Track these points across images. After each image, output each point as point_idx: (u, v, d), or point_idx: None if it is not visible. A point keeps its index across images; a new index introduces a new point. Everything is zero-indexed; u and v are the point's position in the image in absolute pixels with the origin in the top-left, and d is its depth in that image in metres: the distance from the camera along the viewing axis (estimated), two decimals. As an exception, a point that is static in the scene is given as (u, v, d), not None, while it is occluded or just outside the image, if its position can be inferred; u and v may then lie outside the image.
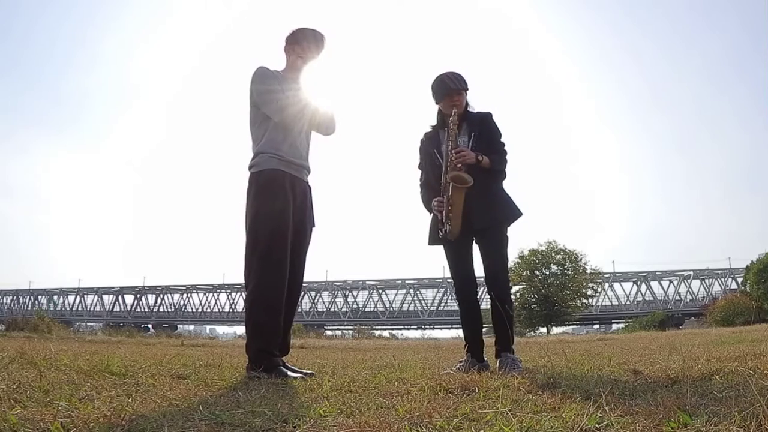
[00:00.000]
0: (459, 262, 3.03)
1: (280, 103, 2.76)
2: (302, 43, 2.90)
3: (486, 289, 2.97)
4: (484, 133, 3.00)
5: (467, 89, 3.03)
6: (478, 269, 3.04)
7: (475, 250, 3.04)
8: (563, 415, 1.38)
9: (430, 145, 3.11)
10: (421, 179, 3.20)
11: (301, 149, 2.88)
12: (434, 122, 3.14)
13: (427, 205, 3.09)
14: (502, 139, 3.04)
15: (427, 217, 3.15)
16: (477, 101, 3.10)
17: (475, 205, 2.89)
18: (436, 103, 3.08)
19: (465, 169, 2.87)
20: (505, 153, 3.02)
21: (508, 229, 3.03)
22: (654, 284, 44.70)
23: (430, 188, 3.08)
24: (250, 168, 2.83)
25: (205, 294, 51.79)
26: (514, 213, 3.00)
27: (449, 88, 2.98)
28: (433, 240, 3.07)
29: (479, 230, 2.95)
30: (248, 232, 2.75)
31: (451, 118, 2.94)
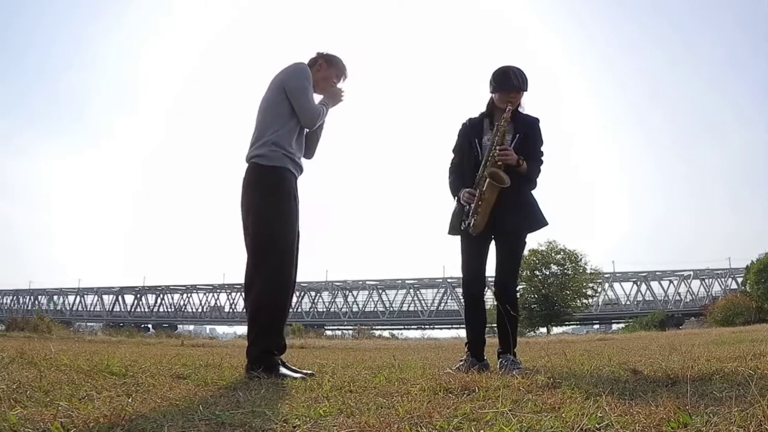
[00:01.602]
0: (472, 258, 2.99)
1: (317, 111, 2.82)
2: (331, 69, 2.96)
3: (493, 290, 2.95)
4: (529, 137, 2.95)
5: (527, 90, 2.97)
6: (489, 269, 3.02)
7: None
8: (563, 415, 1.38)
9: (473, 132, 3.04)
10: (452, 162, 3.16)
11: (302, 150, 2.90)
12: (483, 109, 3.08)
13: (454, 191, 3.06)
14: (542, 148, 3.00)
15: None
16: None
17: (504, 207, 2.85)
18: (492, 92, 3.00)
19: (504, 168, 2.84)
20: (541, 163, 2.98)
21: (528, 235, 3.01)
22: (654, 284, 44.68)
23: (462, 176, 3.04)
24: (254, 157, 2.75)
25: (205, 294, 51.80)
26: (539, 222, 2.98)
27: (511, 84, 2.92)
28: (454, 230, 3.04)
29: (501, 233, 2.92)
30: (256, 234, 2.68)
31: (504, 115, 2.87)
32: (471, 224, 2.88)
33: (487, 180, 2.81)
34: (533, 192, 3.01)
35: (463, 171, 3.04)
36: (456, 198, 3.04)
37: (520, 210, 2.91)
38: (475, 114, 3.11)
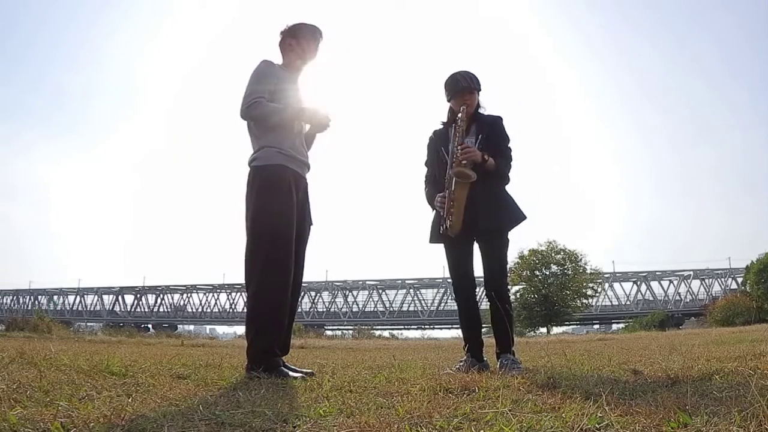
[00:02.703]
0: (459, 261, 3.02)
1: (249, 99, 2.68)
2: (302, 41, 2.85)
3: (484, 290, 2.96)
4: (492, 136, 2.99)
5: (479, 89, 3.03)
6: (477, 270, 3.04)
7: (475, 250, 3.03)
8: (563, 415, 1.38)
9: (438, 142, 3.10)
10: (426, 176, 3.20)
11: (302, 148, 2.86)
12: (444, 119, 3.13)
13: (431, 201, 3.09)
14: (509, 145, 3.03)
15: (427, 216, 3.15)
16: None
17: (481, 206, 2.88)
18: (448, 101, 3.07)
19: (470, 166, 2.86)
20: (510, 158, 3.01)
21: (510, 231, 3.02)
22: (654, 284, 44.67)
23: (435, 185, 3.08)
24: (251, 162, 2.77)
25: (205, 294, 51.77)
26: (518, 217, 3.00)
27: (461, 87, 2.98)
28: (435, 238, 3.06)
29: (482, 232, 2.93)
30: (250, 231, 2.70)
31: (459, 115, 2.92)
32: (447, 226, 2.91)
33: (454, 179, 2.85)
34: (509, 188, 3.04)
35: (436, 180, 3.08)
36: (433, 207, 3.07)
37: (497, 208, 2.92)
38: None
